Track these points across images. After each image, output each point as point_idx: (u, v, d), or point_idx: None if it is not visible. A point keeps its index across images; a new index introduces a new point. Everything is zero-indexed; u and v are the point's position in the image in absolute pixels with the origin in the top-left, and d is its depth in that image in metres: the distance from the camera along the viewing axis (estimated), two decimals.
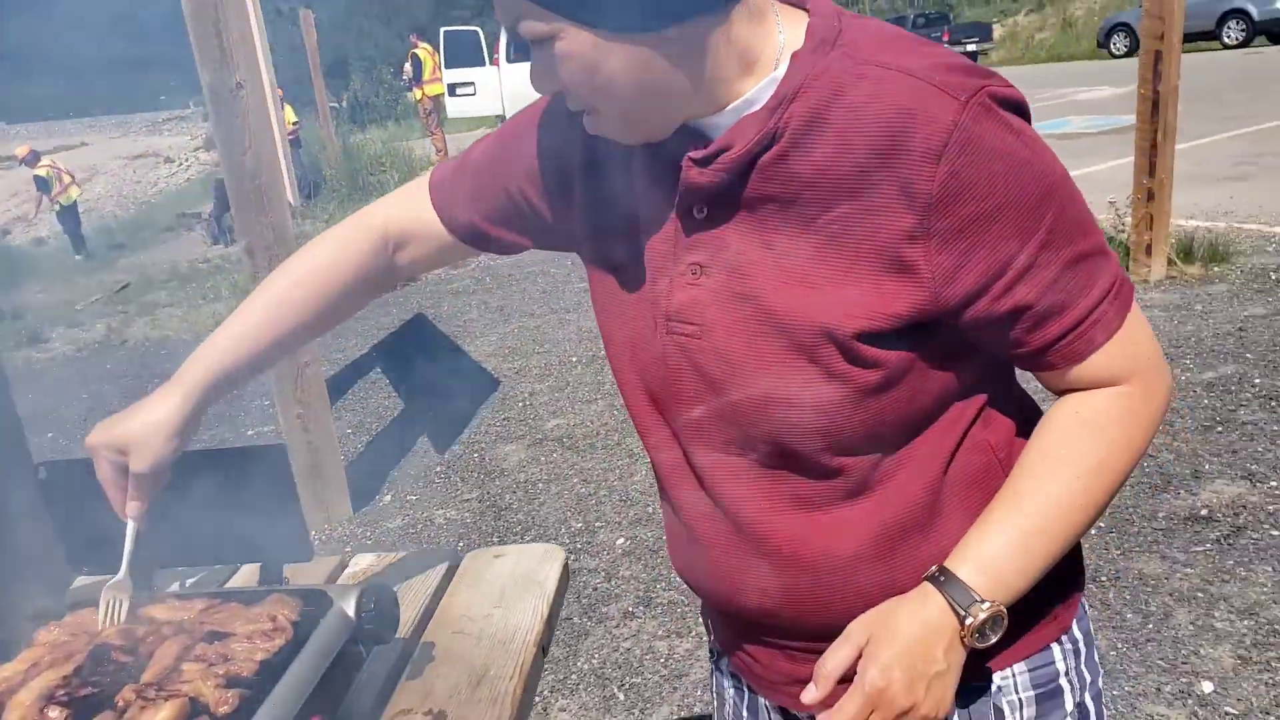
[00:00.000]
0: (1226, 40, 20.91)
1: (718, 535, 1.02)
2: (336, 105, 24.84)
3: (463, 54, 17.71)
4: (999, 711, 1.01)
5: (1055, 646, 1.04)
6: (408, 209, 1.16)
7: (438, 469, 4.35)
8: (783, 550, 0.98)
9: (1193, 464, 3.53)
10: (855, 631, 0.93)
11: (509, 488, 4.05)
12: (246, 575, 1.52)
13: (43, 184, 13.86)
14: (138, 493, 1.06)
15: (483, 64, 17.78)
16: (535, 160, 1.06)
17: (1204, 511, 3.22)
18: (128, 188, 25.38)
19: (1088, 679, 1.07)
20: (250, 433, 5.14)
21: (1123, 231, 5.70)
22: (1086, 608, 1.10)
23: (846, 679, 0.92)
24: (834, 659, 0.92)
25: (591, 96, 0.87)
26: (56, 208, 13.92)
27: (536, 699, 2.70)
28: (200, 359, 1.09)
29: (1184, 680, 2.48)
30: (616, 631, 2.94)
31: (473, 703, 1.19)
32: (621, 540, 3.48)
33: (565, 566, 1.53)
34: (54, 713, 0.94)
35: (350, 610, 1.13)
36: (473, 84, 17.71)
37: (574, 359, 5.54)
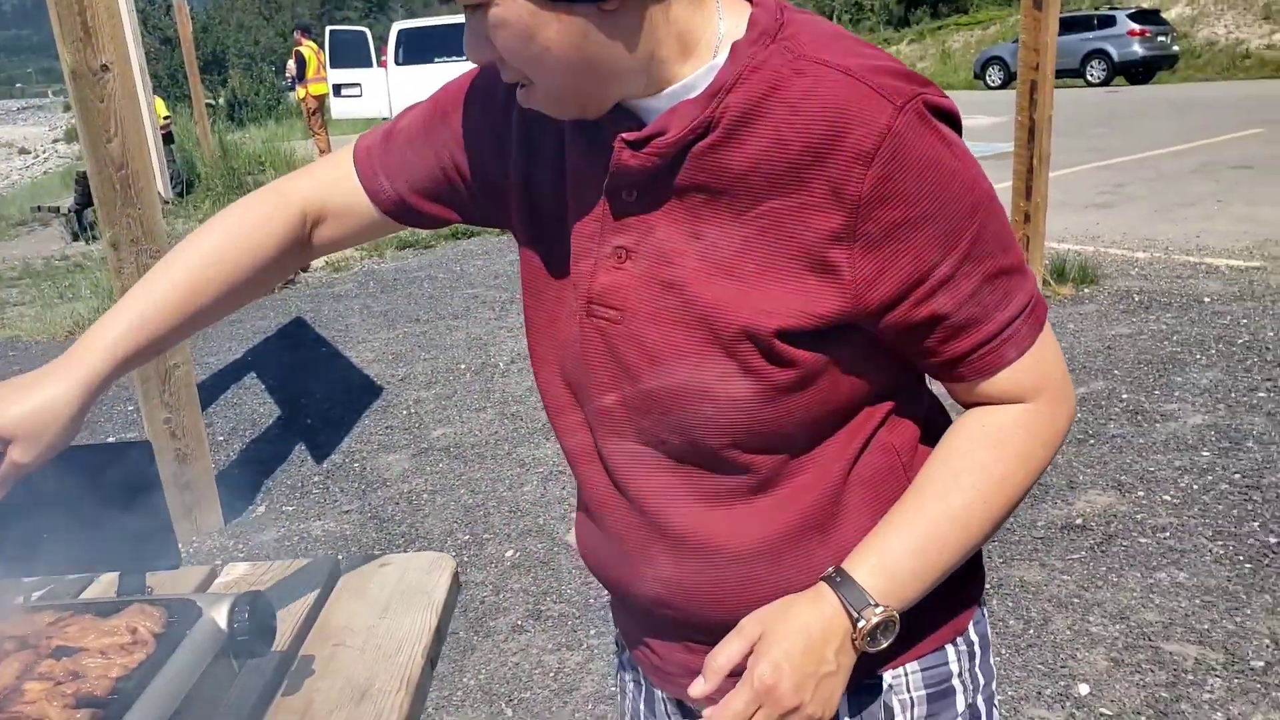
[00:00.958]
0: (1089, 79, 22.12)
1: (621, 523, 1.01)
2: (213, 102, 24.02)
3: (349, 54, 17.36)
4: (889, 710, 1.01)
5: (950, 648, 1.04)
6: (328, 182, 1.08)
7: (315, 479, 4.19)
8: (683, 542, 0.97)
9: (1068, 475, 3.63)
10: (748, 626, 0.92)
11: (391, 498, 3.91)
12: (105, 585, 1.39)
13: None
14: (2, 484, 0.95)
15: (370, 65, 17.45)
16: (467, 132, 1.02)
17: (1079, 520, 3.32)
18: None
19: (981, 681, 1.07)
20: (112, 439, 4.87)
21: None
22: (986, 613, 1.10)
23: (736, 674, 0.90)
24: (724, 653, 0.91)
25: (525, 67, 0.84)
26: None
27: (423, 716, 2.59)
28: (100, 338, 1.00)
29: (1062, 683, 2.54)
30: (505, 646, 2.85)
31: (355, 719, 1.10)
32: (510, 552, 3.39)
33: (455, 576, 1.46)
34: None
35: (221, 621, 1.03)
36: (359, 85, 17.36)
37: (462, 366, 5.42)
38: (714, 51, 0.86)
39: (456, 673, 2.75)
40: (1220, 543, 3.13)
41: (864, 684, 0.98)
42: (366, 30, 18.06)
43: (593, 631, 2.87)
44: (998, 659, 2.63)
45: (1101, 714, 2.42)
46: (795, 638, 0.88)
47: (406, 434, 4.57)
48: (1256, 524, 3.22)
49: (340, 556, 1.50)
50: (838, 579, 0.90)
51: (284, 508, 3.93)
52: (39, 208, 13.97)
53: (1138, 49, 21.76)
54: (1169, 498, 3.44)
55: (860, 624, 0.88)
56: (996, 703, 1.10)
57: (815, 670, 0.88)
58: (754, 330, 0.86)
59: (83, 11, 3.18)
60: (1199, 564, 3.03)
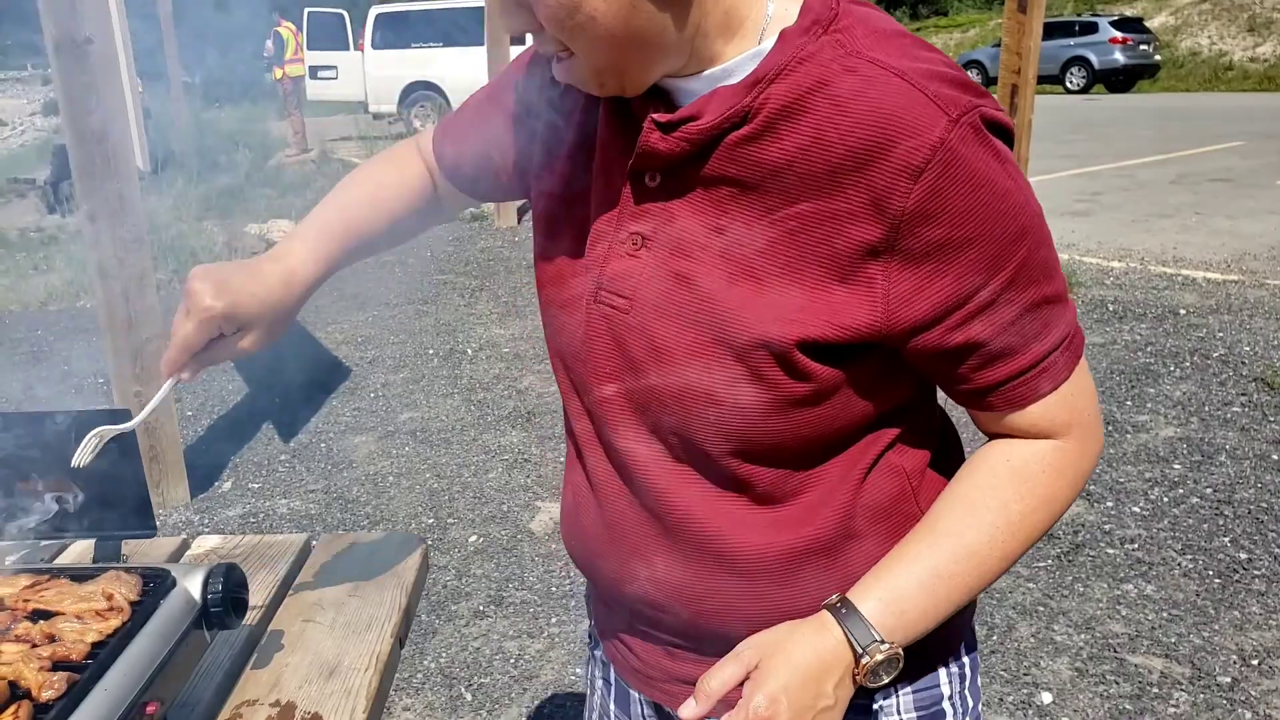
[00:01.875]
0: (1069, 85, 22.26)
1: (621, 514, 0.97)
2: (189, 80, 23.75)
3: (326, 36, 17.24)
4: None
5: (942, 670, 1.02)
6: (429, 150, 1.16)
7: (282, 458, 4.18)
8: (684, 544, 0.93)
9: None
10: (746, 652, 0.88)
11: (357, 480, 3.91)
12: (78, 552, 1.40)
13: None
14: (206, 364, 1.00)
15: (347, 48, 17.34)
16: (511, 108, 1.03)
17: None
18: None
19: (970, 704, 1.05)
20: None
21: None
22: (975, 633, 1.09)
23: (728, 700, 0.87)
24: (719, 677, 0.87)
25: (567, 38, 0.80)
26: None
27: None
28: (317, 241, 1.08)
29: (1025, 691, 2.56)
30: (466, 630, 2.87)
31: (324, 695, 1.12)
32: (474, 538, 3.40)
33: (425, 556, 1.47)
34: None
35: (195, 591, 1.05)
36: (335, 68, 17.24)
37: (431, 351, 5.41)
38: (760, 36, 0.82)
39: (417, 655, 2.76)
40: (1190, 556, 3.15)
41: (856, 704, 0.92)
42: (344, 13, 17.91)
43: (554, 620, 2.89)
44: None
45: None
46: (795, 670, 0.85)
47: (374, 416, 4.57)
48: (1228, 539, 3.24)
49: (312, 534, 1.52)
50: (843, 610, 0.87)
51: (250, 484, 3.92)
52: (15, 179, 13.79)
53: (1119, 57, 21.92)
54: (1138, 509, 3.46)
55: (864, 660, 0.85)
56: None
57: (813, 704, 0.85)
58: (772, 338, 0.82)
59: None
60: (1167, 577, 3.04)
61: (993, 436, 0.93)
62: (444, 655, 2.76)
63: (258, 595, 1.33)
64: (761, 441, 0.87)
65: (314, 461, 4.11)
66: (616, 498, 0.97)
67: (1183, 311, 5.69)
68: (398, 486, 3.83)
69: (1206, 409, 4.31)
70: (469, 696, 2.58)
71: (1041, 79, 21.64)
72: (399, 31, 16.84)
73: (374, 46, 16.84)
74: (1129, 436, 4.06)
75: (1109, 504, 3.52)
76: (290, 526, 3.54)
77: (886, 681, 0.87)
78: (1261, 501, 3.47)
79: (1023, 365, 0.85)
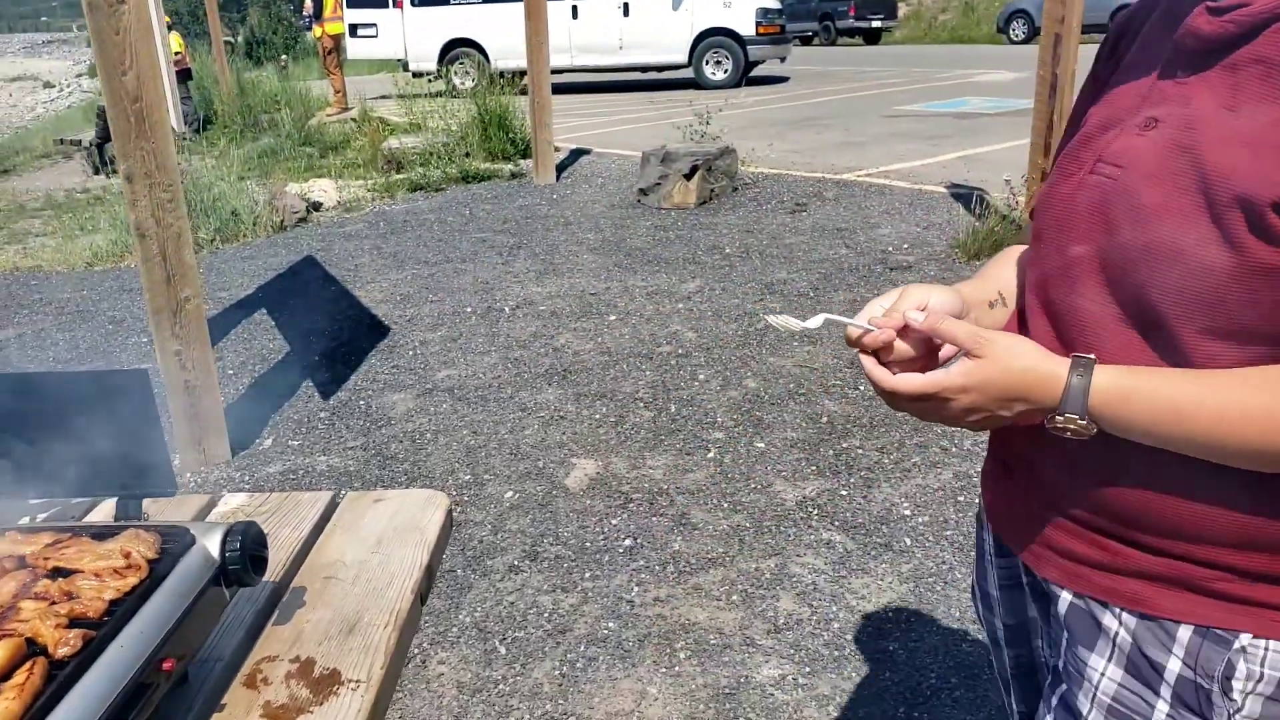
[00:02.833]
0: None
1: None
2: (231, 40, 23.86)
3: None
4: (1230, 666, 0.92)
5: None
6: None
7: (321, 415, 4.22)
8: None
9: None
10: (981, 342, 0.92)
11: (395, 437, 3.95)
12: (106, 511, 1.42)
13: None
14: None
15: (386, 6, 17.27)
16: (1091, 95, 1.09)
17: None
18: (2, 111, 24.02)
19: None
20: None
21: (1015, 209, 5.83)
22: None
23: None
24: (950, 327, 0.94)
25: None
26: None
27: (415, 651, 2.64)
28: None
29: None
30: (500, 585, 2.90)
31: (344, 651, 1.13)
32: (510, 494, 3.43)
33: (449, 514, 1.48)
34: None
35: (214, 549, 1.06)
36: (375, 25, 17.19)
37: (468, 309, 5.43)
38: None
39: (452, 610, 2.79)
40: None
41: (1214, 632, 0.92)
42: None
43: (587, 575, 2.91)
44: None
45: None
46: (1006, 380, 0.91)
47: (412, 374, 4.59)
48: None
49: (337, 491, 1.53)
50: (1080, 368, 0.90)
51: (290, 442, 3.97)
52: (62, 140, 14.02)
53: None
54: None
55: (1057, 418, 0.90)
56: None
57: (992, 409, 0.92)
58: (1250, 197, 0.82)
59: None
60: None
61: None
62: (479, 610, 2.79)
63: (281, 552, 1.35)
64: (1219, 309, 0.86)
65: (353, 419, 4.15)
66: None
67: None
68: (435, 443, 3.86)
69: None
70: (503, 650, 2.61)
71: (1091, 28, 21.12)
72: None
73: (413, 3, 16.75)
74: None
75: None
76: (329, 483, 3.59)
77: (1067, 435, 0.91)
78: None
79: None
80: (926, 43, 25.14)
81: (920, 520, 3.11)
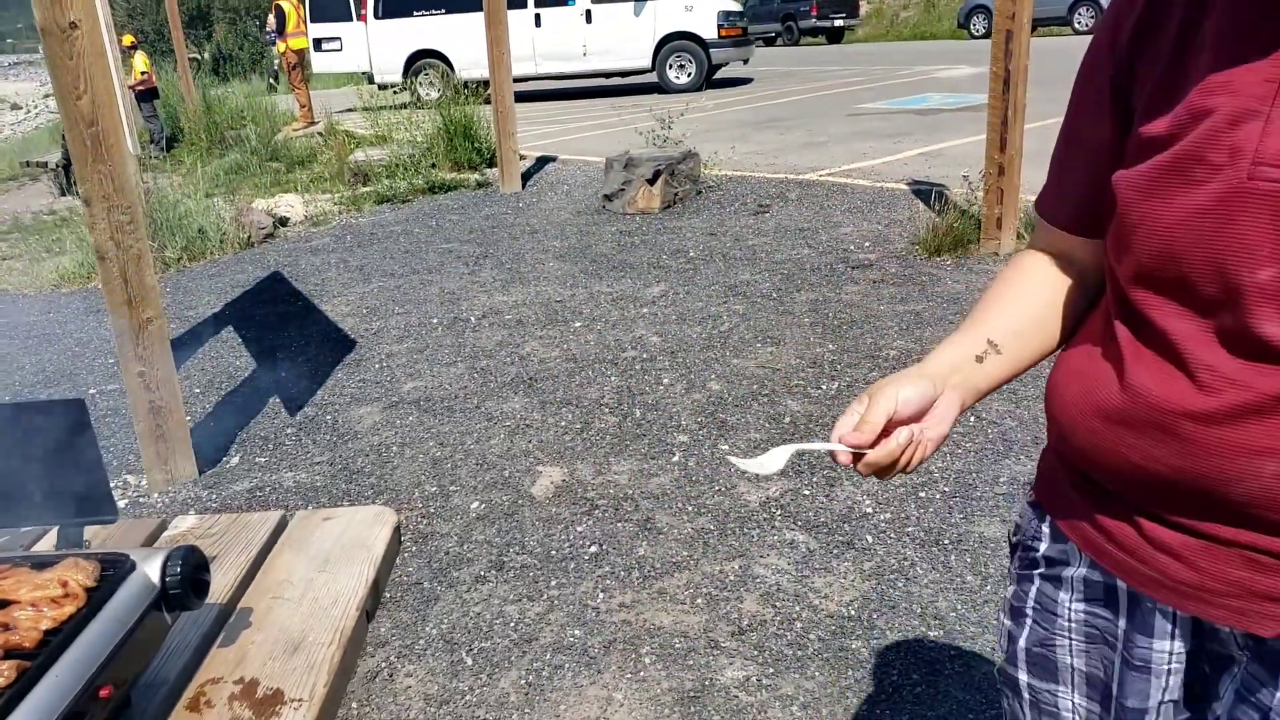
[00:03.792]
0: (1077, 26, 21.90)
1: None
2: (197, 57, 23.75)
3: (329, 8, 17.16)
4: None
5: None
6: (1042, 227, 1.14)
7: (288, 431, 4.22)
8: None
9: (1033, 431, 3.68)
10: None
11: (361, 451, 3.95)
12: (54, 540, 1.43)
13: None
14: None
15: (350, 19, 17.25)
16: (1097, 84, 1.01)
17: None
18: None
19: None
20: (93, 391, 4.90)
21: (975, 205, 5.89)
22: None
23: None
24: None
25: None
26: None
27: (382, 664, 2.64)
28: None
29: None
30: (467, 596, 2.91)
31: (287, 670, 1.15)
32: (476, 504, 3.44)
33: (397, 530, 1.50)
34: None
35: (154, 575, 1.08)
36: (339, 39, 17.18)
37: (434, 320, 5.44)
38: None
39: (419, 622, 2.81)
40: None
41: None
42: None
43: (554, 583, 2.93)
44: (954, 614, 2.69)
45: None
46: None
47: (378, 387, 4.60)
48: None
49: (287, 511, 1.54)
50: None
51: (257, 459, 3.97)
52: (28, 163, 13.93)
53: None
54: None
55: None
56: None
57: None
58: None
59: None
60: None
61: None
62: (445, 621, 2.80)
63: (229, 573, 1.36)
64: None
65: (320, 434, 4.16)
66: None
67: None
68: (401, 456, 3.87)
69: None
70: (469, 661, 2.63)
71: (1050, 20, 21.32)
72: (401, 0, 16.74)
73: (376, 16, 16.74)
74: None
75: None
76: (296, 499, 3.59)
77: None
78: None
79: None
80: (889, 40, 25.33)
81: (882, 518, 3.15)
